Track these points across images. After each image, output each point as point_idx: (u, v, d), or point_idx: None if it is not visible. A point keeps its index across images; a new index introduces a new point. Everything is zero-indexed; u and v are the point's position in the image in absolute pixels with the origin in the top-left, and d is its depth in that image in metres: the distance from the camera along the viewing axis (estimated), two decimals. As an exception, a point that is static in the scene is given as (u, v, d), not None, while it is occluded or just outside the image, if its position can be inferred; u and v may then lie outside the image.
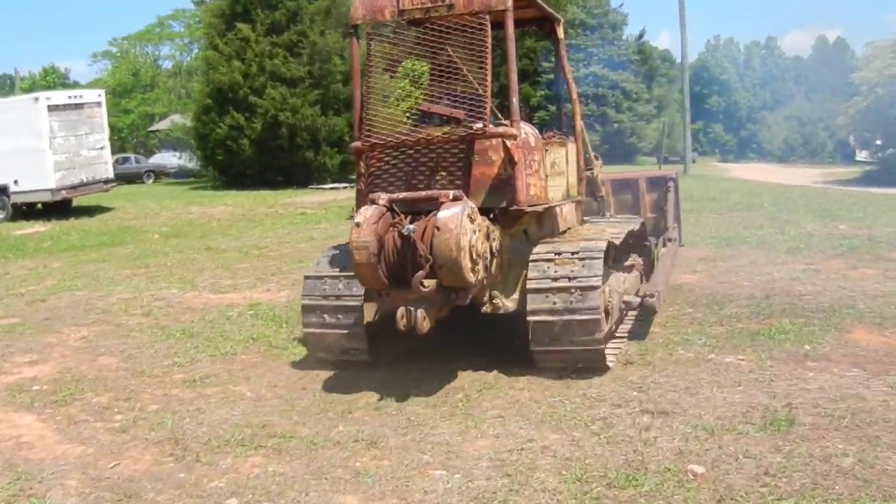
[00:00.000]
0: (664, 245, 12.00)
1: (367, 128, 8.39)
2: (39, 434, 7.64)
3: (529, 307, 8.05)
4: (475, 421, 7.18)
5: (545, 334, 8.03)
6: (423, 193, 7.95)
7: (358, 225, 7.51)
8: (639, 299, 9.23)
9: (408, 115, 8.79)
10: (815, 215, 20.83)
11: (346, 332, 8.64)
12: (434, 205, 7.63)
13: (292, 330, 10.81)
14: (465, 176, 8.17)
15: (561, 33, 10.17)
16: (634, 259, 10.22)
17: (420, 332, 7.59)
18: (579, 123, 10.41)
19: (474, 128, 8.09)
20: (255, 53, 42.10)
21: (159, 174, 61.33)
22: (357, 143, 8.49)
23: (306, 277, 9.02)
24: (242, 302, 12.86)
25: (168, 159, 63.75)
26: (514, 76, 8.17)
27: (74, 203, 32.76)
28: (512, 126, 8.16)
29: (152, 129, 78.22)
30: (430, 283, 7.41)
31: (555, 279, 8.02)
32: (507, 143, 8.08)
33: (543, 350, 8.15)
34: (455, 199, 7.56)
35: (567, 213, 9.85)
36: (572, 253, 8.18)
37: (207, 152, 45.43)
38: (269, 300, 12.89)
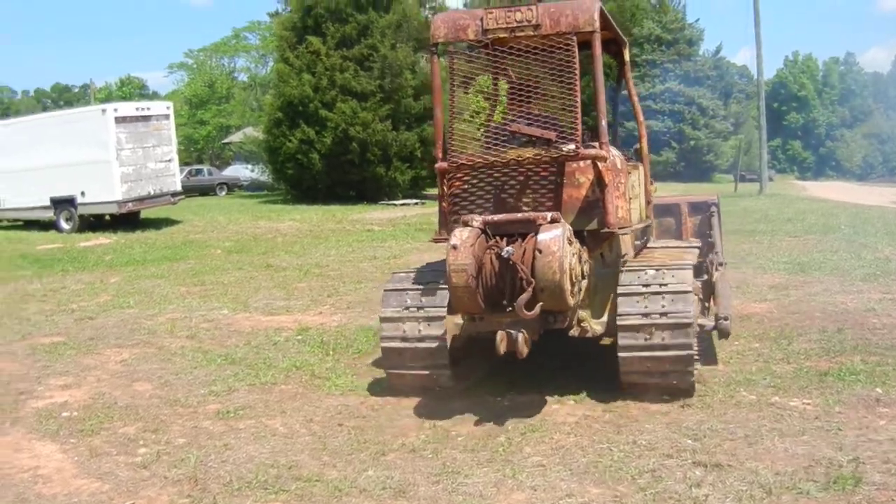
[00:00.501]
0: (716, 269, 11.59)
1: (452, 147, 8.25)
2: (58, 466, 7.32)
3: (621, 343, 7.91)
4: (514, 469, 6.65)
5: (636, 368, 7.96)
6: (519, 215, 7.82)
7: (455, 247, 7.33)
8: (712, 323, 8.98)
9: (484, 133, 8.51)
10: (892, 238, 20.02)
11: (429, 362, 8.36)
12: (527, 227, 7.55)
13: (338, 358, 10.47)
14: (556, 198, 8.08)
15: (627, 56, 9.98)
16: (694, 283, 9.80)
17: (521, 355, 7.43)
18: (645, 146, 10.21)
19: (566, 149, 7.98)
20: (325, 67, 41.87)
21: (232, 187, 61.38)
22: (443, 164, 8.29)
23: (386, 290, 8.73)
24: (292, 325, 12.50)
25: (241, 172, 63.86)
26: (602, 97, 8.06)
27: (142, 215, 32.75)
28: (601, 148, 8.04)
29: (226, 141, 78.66)
30: (535, 307, 7.25)
31: (646, 315, 7.84)
32: (598, 164, 8.00)
33: (633, 382, 8.10)
34: (553, 221, 7.47)
35: (628, 237, 9.53)
36: (661, 285, 8.01)
37: (278, 166, 45.32)
38: (319, 324, 12.53)
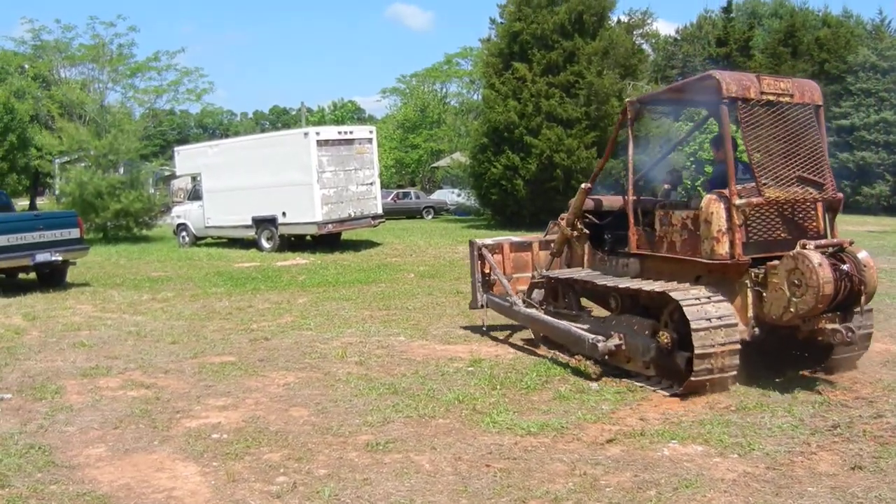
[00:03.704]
0: None
1: (763, 185, 9.76)
2: (193, 489, 7.20)
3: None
4: (658, 530, 6.05)
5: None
6: (834, 240, 9.93)
7: (820, 265, 8.94)
8: None
9: (775, 175, 9.99)
10: None
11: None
12: (826, 248, 9.51)
13: (504, 393, 10.03)
14: (817, 227, 10.30)
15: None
16: None
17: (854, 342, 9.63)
18: None
19: (832, 193, 10.22)
20: (531, 93, 41.52)
21: (439, 210, 61.71)
22: (758, 198, 9.76)
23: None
24: (466, 356, 12.13)
25: (448, 196, 64.08)
26: (826, 154, 10.32)
27: (343, 237, 33.16)
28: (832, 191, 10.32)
29: (434, 165, 79.26)
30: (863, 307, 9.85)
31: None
32: (837, 203, 10.45)
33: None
34: (850, 243, 9.68)
35: None
36: None
37: (482, 191, 45.17)
38: (494, 356, 12.13)
